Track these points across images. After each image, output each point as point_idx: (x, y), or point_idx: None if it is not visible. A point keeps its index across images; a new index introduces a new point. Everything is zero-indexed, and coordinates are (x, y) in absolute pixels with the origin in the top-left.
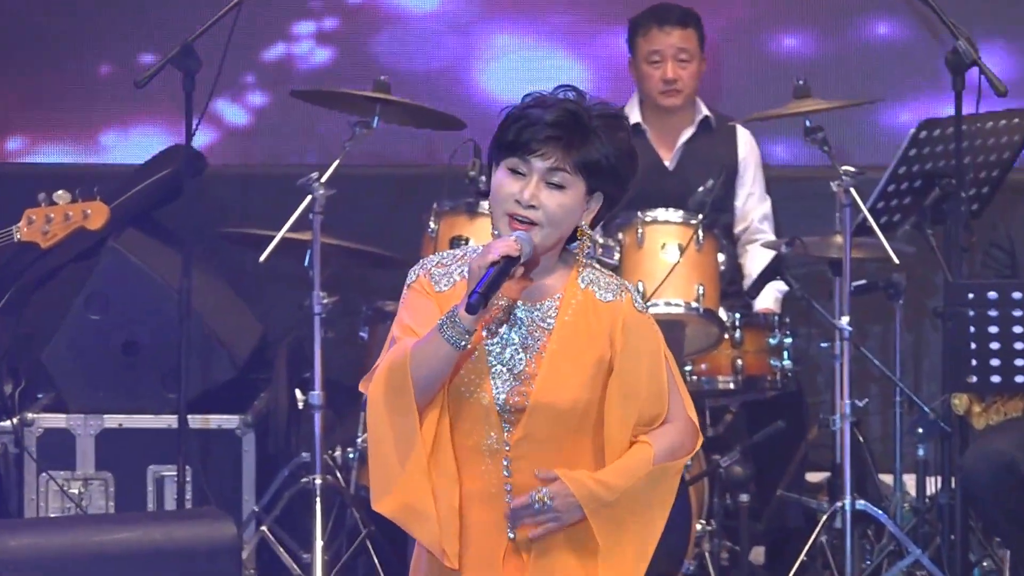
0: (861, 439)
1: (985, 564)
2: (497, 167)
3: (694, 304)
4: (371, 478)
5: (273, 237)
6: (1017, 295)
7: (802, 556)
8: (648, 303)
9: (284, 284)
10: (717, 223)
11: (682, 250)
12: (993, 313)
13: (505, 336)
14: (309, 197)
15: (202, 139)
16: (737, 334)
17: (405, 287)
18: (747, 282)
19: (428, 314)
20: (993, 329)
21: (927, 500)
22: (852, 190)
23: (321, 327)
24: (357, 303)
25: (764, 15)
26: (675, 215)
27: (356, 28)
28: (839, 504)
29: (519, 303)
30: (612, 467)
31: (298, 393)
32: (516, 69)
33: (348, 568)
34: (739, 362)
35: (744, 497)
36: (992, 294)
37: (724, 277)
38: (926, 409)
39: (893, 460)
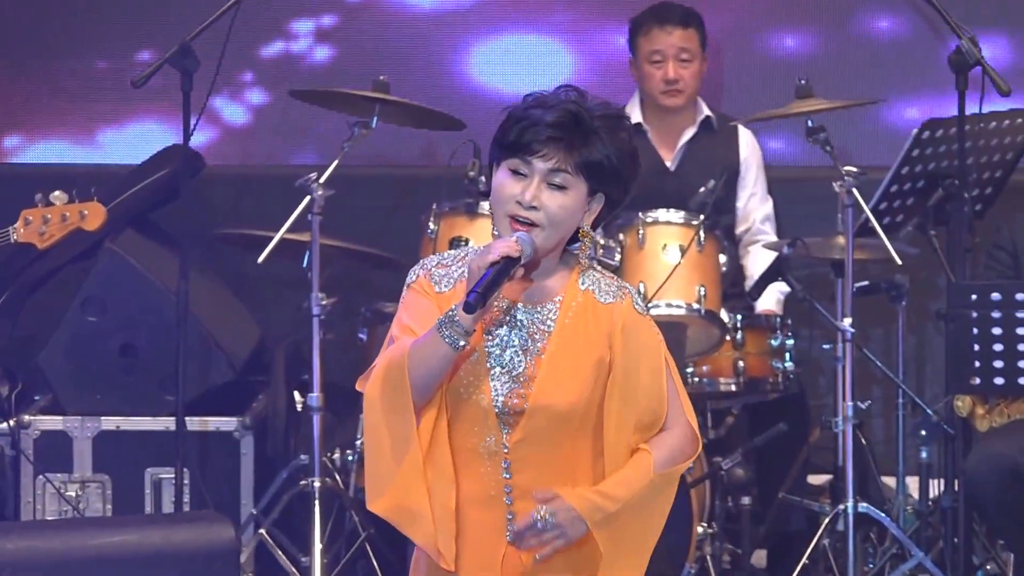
0: (863, 441)
1: (989, 567)
2: (498, 168)
3: (695, 305)
4: (367, 477)
5: (271, 238)
6: (1020, 296)
7: (804, 559)
8: (649, 304)
9: (282, 286)
10: (719, 224)
11: (683, 251)
12: (996, 314)
13: (505, 338)
14: (308, 198)
15: (200, 138)
16: (739, 336)
17: (405, 287)
18: (749, 283)
19: (427, 314)
20: (996, 331)
21: (930, 503)
22: (854, 191)
23: (320, 329)
24: (356, 304)
25: (765, 14)
26: (676, 216)
27: (355, 27)
28: (841, 507)
29: (519, 305)
30: (613, 478)
31: (297, 395)
32: (516, 68)
33: (347, 571)
34: (741, 364)
35: (746, 500)
36: (995, 295)
37: (726, 278)
38: (929, 411)
39: (896, 462)
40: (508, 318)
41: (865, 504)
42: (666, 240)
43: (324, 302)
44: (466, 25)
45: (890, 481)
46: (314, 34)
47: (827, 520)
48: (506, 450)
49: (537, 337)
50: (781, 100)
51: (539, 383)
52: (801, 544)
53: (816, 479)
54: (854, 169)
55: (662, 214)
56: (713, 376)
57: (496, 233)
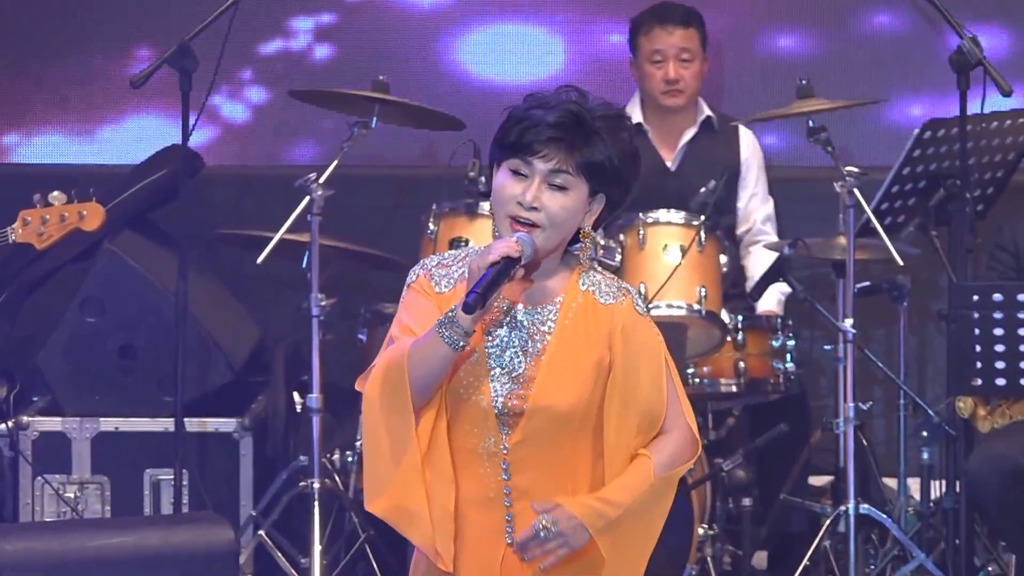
0: (865, 442)
1: (990, 569)
2: (498, 168)
3: (696, 306)
4: (365, 477)
5: (271, 239)
6: (1022, 297)
7: (805, 561)
8: (650, 305)
9: (282, 286)
10: (719, 224)
11: (684, 252)
12: (998, 315)
13: (505, 339)
14: (307, 198)
15: (200, 137)
16: (739, 336)
17: (405, 287)
18: (749, 284)
19: (427, 314)
20: (998, 331)
21: (931, 504)
22: (856, 191)
23: (319, 329)
24: (356, 305)
25: (766, 14)
26: (677, 216)
27: (355, 26)
28: (843, 508)
29: (519, 306)
30: (613, 484)
31: (296, 396)
32: (516, 67)
33: (347, 572)
34: (741, 365)
35: (747, 501)
36: (997, 296)
37: (726, 279)
38: (931, 412)
39: (897, 464)
40: (508, 319)
41: (866, 505)
42: (667, 240)
43: (323, 303)
44: (464, 21)
45: (891, 482)
46: (313, 32)
47: (828, 521)
48: (505, 451)
49: (537, 338)
50: (782, 100)
51: (539, 384)
52: (802, 545)
53: (817, 480)
54: (855, 169)
55: (663, 214)
56: (714, 377)
57: (497, 233)
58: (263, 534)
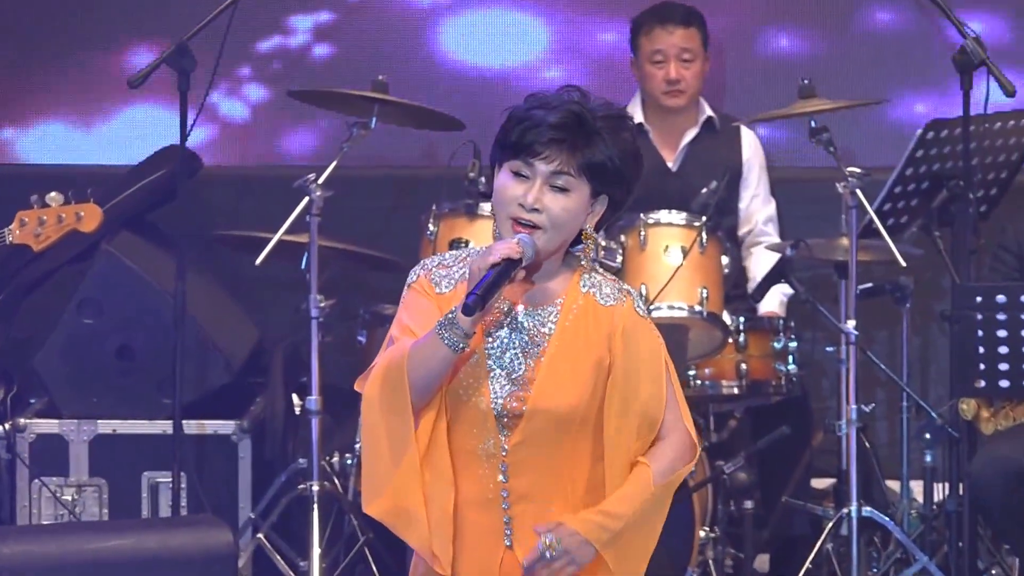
0: (867, 445)
1: (994, 572)
2: (500, 169)
3: (697, 307)
4: (363, 478)
5: (269, 239)
6: None
7: (807, 564)
8: (651, 306)
9: (281, 287)
10: (721, 225)
11: (685, 253)
12: (1002, 317)
13: (505, 340)
14: (306, 199)
15: (199, 136)
16: (741, 338)
17: (405, 287)
18: (751, 285)
19: (427, 315)
20: (1002, 333)
21: (934, 507)
22: (858, 192)
23: (318, 331)
24: (355, 306)
25: (768, 14)
26: (678, 217)
27: (355, 25)
28: (845, 511)
29: (520, 307)
30: (613, 496)
31: (295, 398)
32: (516, 67)
33: (346, 575)
34: (743, 366)
35: (748, 504)
36: (1000, 297)
37: (728, 280)
38: (934, 414)
39: (900, 466)
40: (509, 320)
41: (869, 508)
42: (668, 242)
43: (323, 304)
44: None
45: (894, 485)
46: (312, 31)
47: (831, 524)
48: (504, 453)
49: (537, 339)
50: (784, 100)
51: (538, 386)
52: (804, 548)
53: (819, 483)
54: (858, 170)
55: (664, 215)
56: (715, 379)
57: (497, 234)
58: (262, 537)
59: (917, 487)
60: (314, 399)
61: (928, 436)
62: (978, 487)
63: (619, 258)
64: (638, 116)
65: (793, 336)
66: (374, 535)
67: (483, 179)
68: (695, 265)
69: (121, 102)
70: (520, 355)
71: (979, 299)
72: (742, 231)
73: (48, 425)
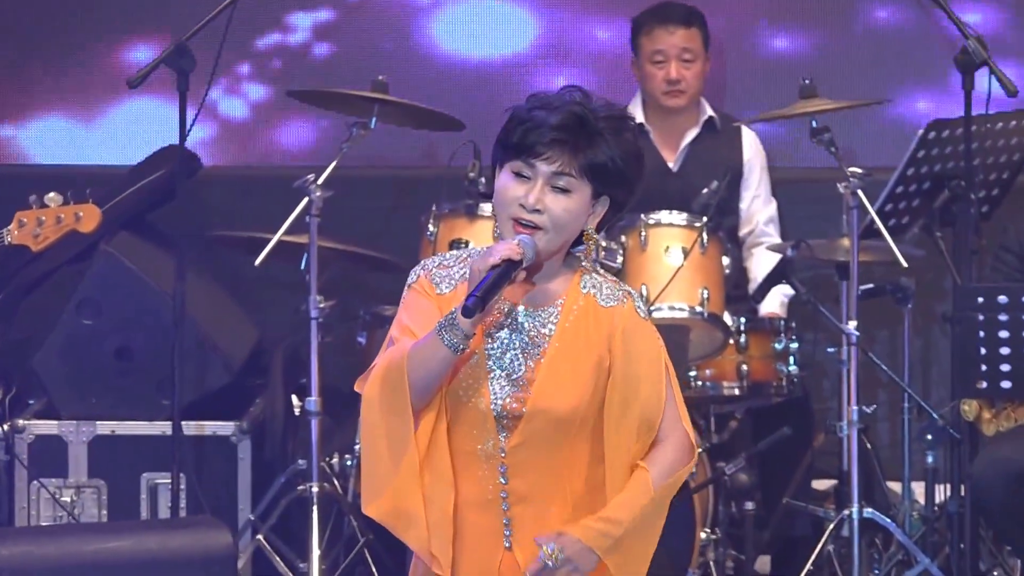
0: (869, 446)
1: (995, 573)
2: (501, 169)
3: (698, 308)
4: (363, 479)
5: (269, 240)
6: None
7: (808, 565)
8: (651, 307)
9: (280, 288)
10: (722, 226)
11: (686, 253)
12: (1003, 317)
13: (506, 341)
14: (306, 199)
15: (198, 135)
16: (742, 339)
17: (406, 287)
18: (752, 286)
19: (428, 316)
20: (1003, 334)
21: (936, 508)
22: (859, 192)
23: (318, 332)
24: (355, 307)
25: (769, 13)
26: (679, 218)
27: (355, 25)
28: (846, 512)
29: (521, 307)
30: (614, 502)
31: (294, 399)
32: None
33: None
34: (744, 367)
35: (749, 505)
36: (1002, 298)
37: (729, 281)
38: (935, 415)
39: (901, 467)
40: (509, 321)
41: (870, 509)
42: (669, 242)
43: (322, 305)
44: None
45: (896, 486)
46: (312, 29)
47: (832, 526)
48: (503, 454)
49: (538, 340)
50: (785, 100)
51: (537, 387)
52: (805, 550)
53: (820, 484)
54: (859, 170)
55: (665, 216)
56: (716, 380)
57: (497, 234)
58: (261, 538)
59: (919, 488)
60: (314, 400)
61: (930, 437)
62: (980, 488)
63: (620, 259)
64: (639, 116)
65: (794, 337)
66: (374, 537)
67: (483, 179)
68: (696, 266)
69: (121, 100)
70: (520, 356)
71: (981, 300)
72: (743, 231)
73: (47, 426)
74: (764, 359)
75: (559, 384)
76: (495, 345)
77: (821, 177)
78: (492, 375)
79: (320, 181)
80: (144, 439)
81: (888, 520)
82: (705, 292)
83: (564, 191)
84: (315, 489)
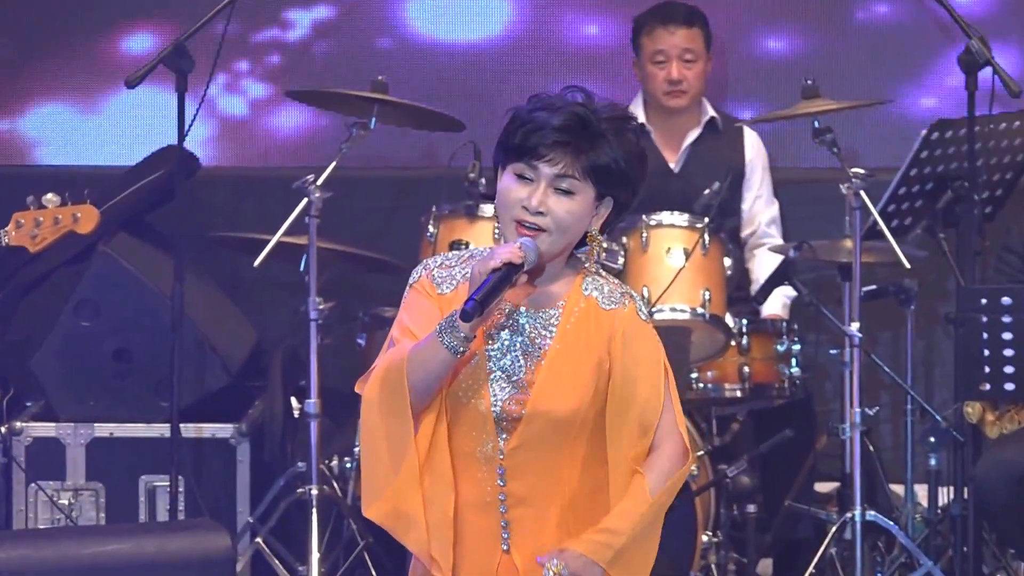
0: (871, 448)
1: None
2: (503, 171)
3: (700, 310)
4: (363, 481)
5: (268, 241)
6: None
7: (811, 568)
8: (653, 309)
9: (279, 289)
10: (723, 227)
11: (688, 254)
12: (1007, 319)
13: (507, 342)
14: (305, 200)
15: (197, 135)
16: (744, 341)
17: (407, 287)
18: (754, 287)
19: (428, 316)
20: (1007, 336)
21: (939, 511)
22: (862, 193)
23: (317, 333)
24: (354, 309)
25: (771, 12)
26: (680, 219)
27: (355, 24)
28: (849, 515)
29: (522, 308)
30: (614, 512)
31: (294, 401)
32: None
33: None
34: (746, 369)
35: (751, 508)
36: (1006, 299)
37: (731, 282)
38: (938, 418)
39: (904, 470)
40: (511, 322)
41: (873, 512)
42: (670, 243)
43: (322, 306)
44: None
45: (898, 489)
46: (312, 28)
47: (834, 528)
48: (501, 456)
49: (538, 342)
50: (787, 99)
51: (537, 388)
52: (808, 553)
53: (823, 487)
54: (862, 171)
55: (666, 217)
56: (718, 382)
57: (497, 235)
58: (260, 541)
59: (921, 491)
60: (313, 402)
61: (932, 439)
62: (983, 491)
63: (621, 260)
64: (640, 116)
65: (796, 339)
66: (373, 540)
67: (483, 180)
68: (697, 267)
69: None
70: (520, 357)
71: (984, 301)
72: (745, 232)
73: (45, 428)
74: (766, 361)
75: (559, 386)
76: (496, 346)
77: (823, 178)
78: (492, 376)
79: (319, 182)
80: (142, 441)
81: (891, 523)
82: (707, 293)
83: (567, 193)
84: (314, 492)
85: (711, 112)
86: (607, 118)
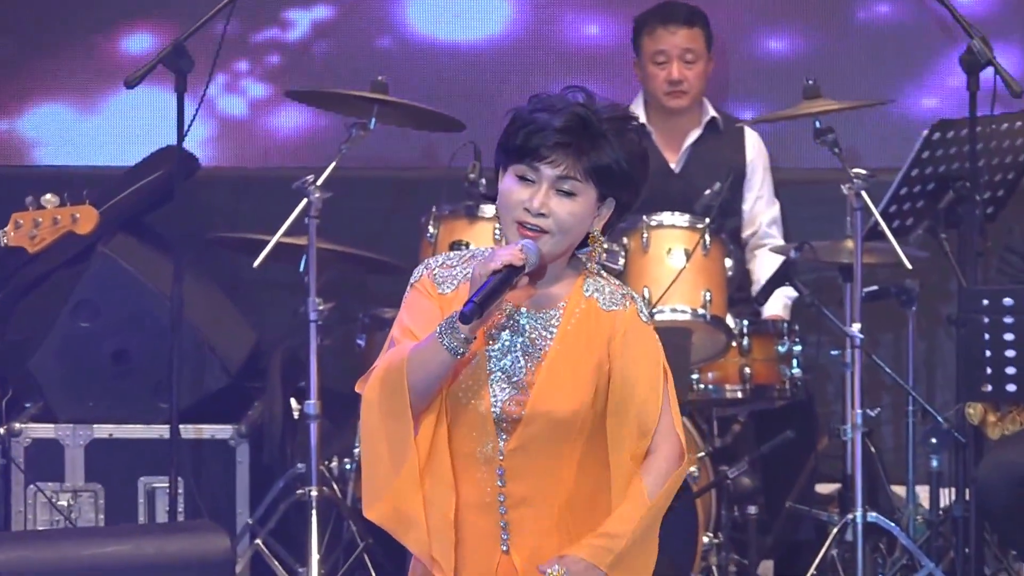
0: (873, 449)
1: None
2: (504, 172)
3: (701, 311)
4: (363, 482)
5: (267, 242)
6: None
7: (812, 570)
8: (654, 310)
9: (279, 290)
10: (724, 227)
11: (688, 255)
12: (1008, 320)
13: (507, 343)
14: (304, 200)
15: (196, 135)
16: (745, 341)
17: (408, 286)
18: (755, 288)
19: (429, 316)
20: (1009, 336)
21: (941, 512)
22: (863, 193)
23: (317, 334)
24: (354, 310)
25: (772, 12)
26: (681, 219)
27: (355, 24)
28: (850, 516)
29: (523, 309)
30: (613, 516)
31: (293, 402)
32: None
33: None
34: (747, 370)
35: (752, 509)
36: (1007, 300)
37: (732, 283)
38: (940, 419)
39: (906, 471)
40: (511, 322)
41: (874, 513)
42: (671, 244)
43: (321, 307)
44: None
45: (900, 490)
46: (311, 33)
47: (835, 530)
48: (501, 457)
49: (539, 343)
50: (788, 100)
51: (537, 389)
52: (809, 554)
53: (824, 488)
54: (863, 171)
55: (667, 217)
56: (719, 383)
57: (498, 237)
58: (260, 543)
59: (923, 492)
60: (312, 403)
61: (934, 441)
62: (984, 492)
63: (621, 260)
64: (641, 117)
65: (797, 340)
66: (373, 541)
67: (483, 181)
68: (698, 268)
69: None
70: (521, 358)
71: (986, 302)
72: (746, 233)
73: (44, 430)
74: (767, 362)
75: (558, 387)
76: (496, 347)
77: (825, 178)
78: (493, 377)
79: (319, 182)
80: (142, 442)
81: (892, 524)
82: (707, 294)
83: (569, 194)
84: (314, 493)
85: (712, 112)
86: (608, 119)
